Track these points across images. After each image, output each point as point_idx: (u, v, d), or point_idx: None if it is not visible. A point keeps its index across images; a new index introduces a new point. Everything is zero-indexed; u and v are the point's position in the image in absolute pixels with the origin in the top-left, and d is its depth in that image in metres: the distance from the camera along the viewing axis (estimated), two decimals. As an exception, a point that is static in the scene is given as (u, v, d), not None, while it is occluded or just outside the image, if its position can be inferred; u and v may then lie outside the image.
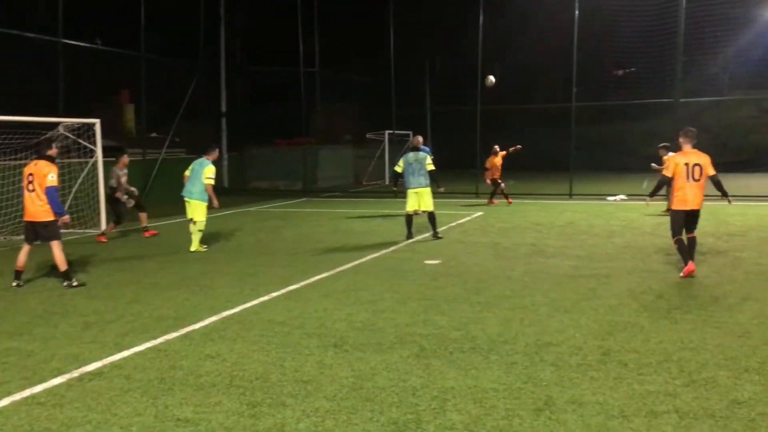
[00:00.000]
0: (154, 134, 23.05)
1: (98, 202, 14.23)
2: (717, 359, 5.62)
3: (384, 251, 11.41)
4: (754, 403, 4.71)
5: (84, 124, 14.37)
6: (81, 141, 14.32)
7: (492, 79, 17.65)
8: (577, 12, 20.94)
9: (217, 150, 12.44)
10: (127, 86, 23.09)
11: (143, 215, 13.75)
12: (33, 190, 8.59)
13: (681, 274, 8.86)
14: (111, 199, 13.42)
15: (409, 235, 12.55)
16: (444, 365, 5.56)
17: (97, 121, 14.38)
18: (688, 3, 20.04)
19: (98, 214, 14.32)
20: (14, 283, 8.76)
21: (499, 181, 18.84)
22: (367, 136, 30.44)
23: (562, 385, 5.08)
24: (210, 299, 8.01)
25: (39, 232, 8.72)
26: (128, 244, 12.78)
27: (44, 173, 8.54)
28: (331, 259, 10.62)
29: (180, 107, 22.67)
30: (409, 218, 12.67)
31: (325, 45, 26.67)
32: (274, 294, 8.24)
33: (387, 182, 28.38)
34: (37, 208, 8.58)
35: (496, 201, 19.22)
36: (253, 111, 27.13)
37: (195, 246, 11.56)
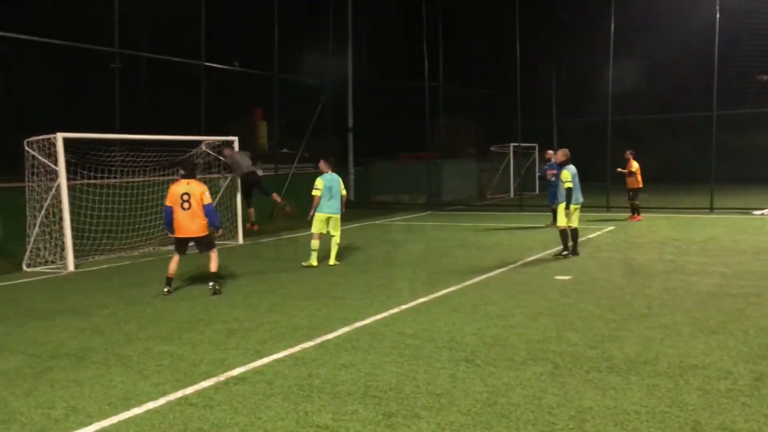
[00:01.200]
0: (285, 150, 24.04)
1: (236, 214, 15.10)
2: None
3: (512, 265, 11.26)
4: None
5: (224, 141, 15.28)
6: (221, 158, 15.23)
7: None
8: (718, 15, 19.76)
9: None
10: (260, 104, 24.27)
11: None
12: (189, 208, 9.32)
13: None
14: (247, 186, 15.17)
15: (573, 249, 12.06)
16: (580, 384, 5.40)
17: (235, 139, 15.26)
18: None
19: (236, 226, 15.17)
20: (165, 290, 9.44)
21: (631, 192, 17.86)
22: (492, 148, 30.18)
23: (710, 410, 4.79)
24: (341, 310, 8.25)
25: (199, 242, 9.62)
26: (263, 255, 13.39)
27: (199, 192, 9.39)
28: (458, 273, 10.61)
29: (309, 123, 23.53)
30: (564, 233, 12.17)
31: (448, 58, 26.75)
32: (404, 306, 8.35)
33: (512, 195, 27.98)
34: (195, 224, 9.39)
35: (638, 217, 17.95)
36: (377, 125, 27.63)
37: (333, 259, 11.80)
